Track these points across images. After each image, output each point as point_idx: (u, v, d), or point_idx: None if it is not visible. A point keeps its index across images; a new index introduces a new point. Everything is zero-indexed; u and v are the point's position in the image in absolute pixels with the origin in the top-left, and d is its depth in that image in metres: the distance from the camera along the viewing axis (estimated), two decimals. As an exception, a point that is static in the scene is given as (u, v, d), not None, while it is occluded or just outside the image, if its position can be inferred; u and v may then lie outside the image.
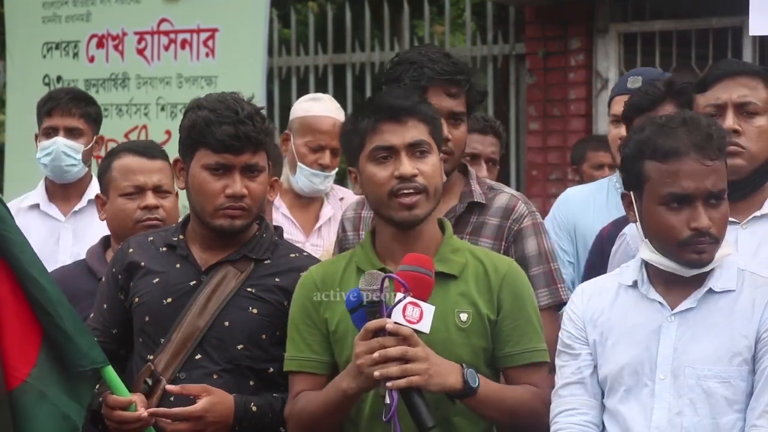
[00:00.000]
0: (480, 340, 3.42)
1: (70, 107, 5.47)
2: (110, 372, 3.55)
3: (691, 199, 3.25)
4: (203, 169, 3.68)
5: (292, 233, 5.20)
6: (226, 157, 3.65)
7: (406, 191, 3.38)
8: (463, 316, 3.41)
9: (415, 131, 3.42)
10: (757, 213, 3.83)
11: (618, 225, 4.18)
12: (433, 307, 3.25)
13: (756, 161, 3.81)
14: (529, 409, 3.43)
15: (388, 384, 3.20)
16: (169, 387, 3.62)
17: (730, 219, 3.79)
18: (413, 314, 3.23)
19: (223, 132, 3.63)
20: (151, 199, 4.27)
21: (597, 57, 9.16)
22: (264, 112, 3.79)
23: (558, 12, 9.21)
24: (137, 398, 3.58)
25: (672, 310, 3.32)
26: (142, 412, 3.55)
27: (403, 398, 3.21)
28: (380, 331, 3.22)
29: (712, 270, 3.32)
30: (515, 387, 3.45)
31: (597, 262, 4.14)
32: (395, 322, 3.21)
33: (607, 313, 3.39)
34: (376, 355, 3.20)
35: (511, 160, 9.53)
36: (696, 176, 3.24)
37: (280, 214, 5.30)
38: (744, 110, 3.82)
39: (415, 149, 3.41)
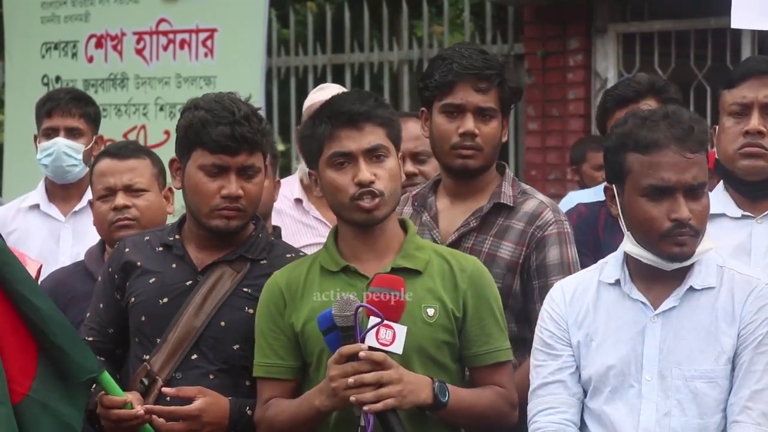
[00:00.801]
0: (445, 335, 3.47)
1: (70, 107, 5.44)
2: (106, 377, 3.55)
3: (672, 191, 3.24)
4: (199, 170, 3.68)
5: (325, 236, 5.07)
6: (222, 158, 3.65)
7: (365, 196, 3.42)
8: (430, 311, 3.45)
9: (372, 136, 3.46)
10: None
11: (590, 207, 4.25)
12: (406, 328, 3.32)
13: None
14: (496, 411, 3.50)
15: (365, 408, 3.26)
16: (165, 389, 3.62)
17: (747, 213, 3.82)
18: (386, 336, 3.30)
19: (219, 133, 3.63)
20: (120, 199, 4.27)
21: (596, 57, 9.14)
22: (262, 112, 3.79)
23: (557, 12, 9.20)
24: (132, 396, 3.59)
25: (654, 309, 3.32)
26: (139, 409, 3.56)
27: (378, 419, 3.28)
28: (354, 356, 3.27)
29: (692, 267, 3.31)
30: (483, 391, 3.50)
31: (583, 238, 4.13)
32: (369, 347, 3.27)
33: (592, 314, 3.38)
34: (351, 380, 3.26)
35: (510, 161, 9.53)
36: (677, 168, 3.23)
37: (311, 218, 5.19)
38: None
39: (373, 154, 3.45)
